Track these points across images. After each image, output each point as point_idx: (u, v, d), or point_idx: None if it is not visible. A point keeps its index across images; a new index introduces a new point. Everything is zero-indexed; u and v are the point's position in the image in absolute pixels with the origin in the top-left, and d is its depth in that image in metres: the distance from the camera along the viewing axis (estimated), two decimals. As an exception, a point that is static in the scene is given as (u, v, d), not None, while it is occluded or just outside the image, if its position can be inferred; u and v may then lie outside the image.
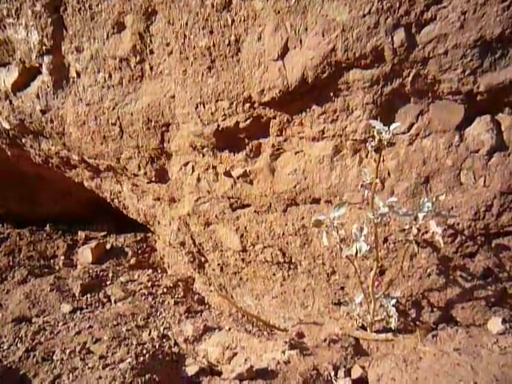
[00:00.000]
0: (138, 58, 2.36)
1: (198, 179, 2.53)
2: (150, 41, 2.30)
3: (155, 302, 2.89)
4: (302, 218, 2.32)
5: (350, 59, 1.87)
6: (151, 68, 2.37)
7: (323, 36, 1.87)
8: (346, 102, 1.99)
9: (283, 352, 2.16)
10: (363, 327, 2.31)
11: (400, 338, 2.19)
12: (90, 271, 3.25)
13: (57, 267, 3.49)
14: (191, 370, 2.14)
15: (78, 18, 2.39)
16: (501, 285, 2.06)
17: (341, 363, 2.12)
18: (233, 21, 2.04)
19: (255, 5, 1.98)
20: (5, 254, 3.57)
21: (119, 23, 2.33)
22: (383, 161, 2.01)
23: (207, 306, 2.95)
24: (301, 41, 1.93)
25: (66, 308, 2.77)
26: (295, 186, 2.25)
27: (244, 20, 2.01)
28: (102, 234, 3.92)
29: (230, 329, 2.52)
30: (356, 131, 2.02)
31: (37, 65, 2.60)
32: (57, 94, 2.63)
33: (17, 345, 2.39)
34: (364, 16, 1.78)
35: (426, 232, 1.99)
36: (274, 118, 2.17)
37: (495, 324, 2.05)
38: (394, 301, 2.11)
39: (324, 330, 2.41)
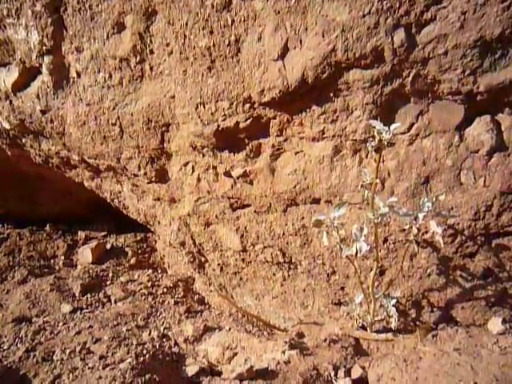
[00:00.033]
0: (138, 58, 2.36)
1: (198, 179, 2.53)
2: (150, 41, 2.30)
3: (155, 302, 2.90)
4: (302, 218, 2.32)
5: (349, 59, 1.87)
6: (151, 68, 2.37)
7: (323, 36, 1.87)
8: (345, 102, 1.99)
9: (283, 352, 2.16)
10: (363, 327, 2.31)
11: (400, 338, 2.19)
12: (90, 271, 3.25)
13: (57, 267, 3.49)
14: (191, 370, 2.14)
15: (78, 18, 2.40)
16: (501, 285, 2.06)
17: (341, 363, 2.12)
18: (233, 21, 2.04)
19: (255, 5, 1.98)
20: (5, 254, 3.58)
21: (119, 23, 2.33)
22: (383, 161, 2.01)
23: (207, 306, 2.95)
24: (301, 41, 1.93)
25: (66, 308, 2.77)
26: (295, 186, 2.25)
27: (244, 20, 2.01)
28: (102, 234, 3.92)
29: (230, 329, 2.53)
30: (356, 131, 2.02)
31: (37, 65, 2.60)
32: (57, 94, 2.64)
33: (17, 345, 2.39)
34: (364, 16, 1.78)
35: (426, 232, 1.99)
36: (274, 118, 2.17)
37: (495, 324, 2.05)
38: (394, 301, 2.11)
39: (324, 330, 2.41)
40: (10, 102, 2.79)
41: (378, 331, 2.27)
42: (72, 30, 2.44)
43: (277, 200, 2.34)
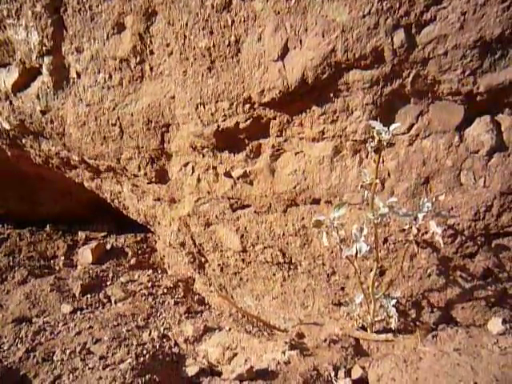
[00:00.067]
0: (138, 58, 2.36)
1: (198, 180, 2.53)
2: (150, 41, 2.30)
3: (155, 303, 2.90)
4: (302, 218, 2.32)
5: (349, 60, 1.87)
6: (151, 69, 2.37)
7: (323, 37, 1.87)
8: (345, 102, 1.99)
9: (283, 352, 2.16)
10: (363, 327, 2.31)
11: (400, 338, 2.20)
12: (90, 271, 3.25)
13: (57, 267, 3.49)
14: (191, 370, 2.14)
15: (78, 18, 2.40)
16: (501, 285, 2.06)
17: (341, 363, 2.12)
18: (233, 21, 2.04)
19: (255, 5, 1.98)
20: (5, 255, 3.58)
21: (119, 24, 2.33)
22: (383, 161, 2.01)
23: (207, 307, 2.95)
24: (301, 41, 1.93)
25: (67, 308, 2.78)
26: (295, 187, 2.25)
27: (244, 21, 2.01)
28: (102, 234, 3.92)
29: (230, 329, 2.53)
30: (356, 132, 2.02)
31: (37, 65, 2.60)
32: (57, 94, 2.64)
33: (17, 345, 2.39)
34: (364, 17, 1.78)
35: (426, 232, 1.99)
36: (274, 118, 2.17)
37: (495, 324, 2.06)
38: (394, 301, 2.11)
39: (324, 330, 2.41)
40: (10, 102, 2.79)
41: (378, 331, 2.28)
42: (72, 31, 2.44)
43: (277, 200, 2.34)
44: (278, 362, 2.10)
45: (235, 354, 2.27)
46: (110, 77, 2.47)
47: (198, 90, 2.23)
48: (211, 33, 2.09)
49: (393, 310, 2.10)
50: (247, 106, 2.15)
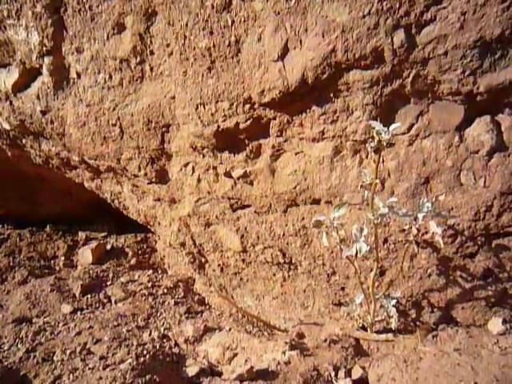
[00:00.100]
0: (139, 58, 2.36)
1: (199, 180, 2.53)
2: (150, 42, 2.30)
3: (155, 303, 2.89)
4: (303, 218, 2.32)
5: (349, 60, 1.87)
6: (151, 69, 2.37)
7: (323, 37, 1.87)
8: (345, 102, 2.00)
9: (283, 352, 2.16)
10: (363, 328, 2.31)
11: (400, 338, 2.20)
12: (91, 272, 3.25)
13: (57, 268, 3.49)
14: (192, 370, 2.14)
15: (78, 18, 2.40)
16: (501, 285, 2.06)
17: (341, 364, 2.12)
18: (233, 22, 2.04)
19: (255, 6, 1.98)
20: (5, 255, 3.57)
21: (119, 24, 2.33)
22: (383, 161, 2.01)
23: (207, 307, 2.95)
24: (301, 41, 1.93)
25: (67, 308, 2.77)
26: (295, 187, 2.25)
27: (244, 21, 2.02)
28: (103, 234, 3.92)
29: (230, 329, 2.52)
30: (356, 132, 2.02)
31: (37, 66, 2.60)
32: (57, 94, 2.64)
33: (17, 345, 2.39)
34: (364, 17, 1.79)
35: (426, 232, 1.99)
36: (274, 118, 2.17)
37: (495, 324, 2.06)
38: (394, 301, 2.11)
39: (324, 330, 2.41)
40: (11, 102, 2.79)
41: (378, 331, 2.28)
42: (72, 31, 2.44)
43: (277, 200, 2.34)
44: (279, 362, 2.10)
45: (235, 354, 2.27)
46: (110, 77, 2.47)
47: (198, 91, 2.23)
48: (211, 33, 2.09)
49: (393, 310, 2.10)
50: (247, 106, 2.15)
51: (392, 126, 1.71)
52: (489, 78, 1.75)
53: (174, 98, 2.35)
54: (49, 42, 2.49)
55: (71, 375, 2.07)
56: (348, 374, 2.06)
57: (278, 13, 1.94)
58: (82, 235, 3.89)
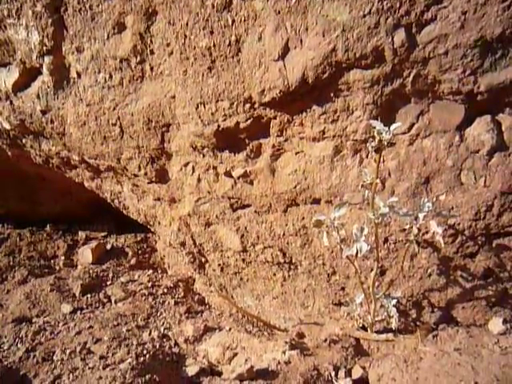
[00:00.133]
0: (139, 58, 2.36)
1: (199, 179, 2.53)
2: (151, 41, 2.30)
3: (155, 303, 2.89)
4: (303, 218, 2.32)
5: (350, 59, 1.87)
6: (152, 68, 2.37)
7: (324, 36, 1.87)
8: (346, 102, 1.99)
9: (284, 352, 2.16)
10: (364, 327, 2.31)
11: (400, 338, 2.19)
12: (91, 271, 3.25)
13: (57, 267, 3.49)
14: (191, 370, 2.14)
15: (78, 18, 2.39)
16: (501, 285, 2.06)
17: (341, 363, 2.12)
18: (233, 21, 2.04)
19: (255, 5, 1.98)
20: (5, 255, 3.57)
21: (120, 23, 2.33)
22: (384, 161, 2.01)
23: (207, 307, 2.95)
24: (301, 41, 1.93)
25: (67, 308, 2.77)
26: (295, 187, 2.25)
27: (244, 20, 2.01)
28: (103, 234, 3.91)
29: (230, 329, 2.52)
30: (356, 131, 2.02)
31: (37, 65, 2.60)
32: (57, 94, 2.63)
33: (17, 345, 2.38)
34: (364, 16, 1.78)
35: (427, 232, 1.99)
36: (275, 118, 2.17)
37: (496, 324, 2.05)
38: (394, 301, 2.11)
39: (324, 330, 2.41)
40: (11, 102, 2.79)
41: (378, 331, 2.28)
42: (72, 30, 2.44)
43: (277, 200, 2.33)
44: (279, 362, 2.10)
45: (235, 354, 2.26)
46: (111, 76, 2.47)
47: (199, 90, 2.23)
48: (212, 32, 2.09)
49: (393, 309, 2.09)
50: (247, 105, 2.15)
51: (393, 126, 1.71)
52: (489, 78, 1.75)
53: (174, 97, 2.35)
54: (49, 42, 2.49)
55: (71, 375, 2.07)
56: (348, 373, 2.06)
57: (279, 12, 1.93)
58: (81, 235, 3.89)
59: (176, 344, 2.40)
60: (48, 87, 2.63)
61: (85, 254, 3.54)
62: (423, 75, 1.83)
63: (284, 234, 2.41)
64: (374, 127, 1.71)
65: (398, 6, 1.74)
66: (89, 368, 2.10)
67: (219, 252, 2.71)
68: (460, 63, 1.75)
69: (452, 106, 1.88)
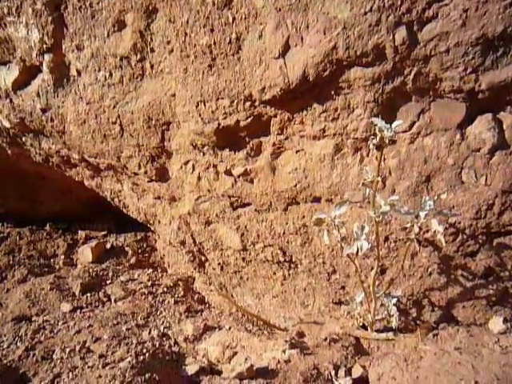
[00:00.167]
0: (139, 56, 2.36)
1: (199, 178, 2.52)
2: (151, 39, 2.30)
3: (155, 302, 2.89)
4: (303, 216, 2.32)
5: (351, 57, 1.86)
6: (152, 66, 2.36)
7: (324, 34, 1.86)
8: (347, 100, 1.99)
9: (283, 351, 2.15)
10: (364, 326, 2.30)
11: (401, 337, 2.19)
12: (90, 270, 3.25)
13: (57, 266, 3.49)
14: (191, 369, 2.13)
15: (78, 16, 2.39)
16: (502, 284, 2.05)
17: (341, 362, 2.11)
18: (234, 19, 2.03)
19: (256, 3, 1.97)
20: (5, 253, 3.57)
21: (120, 21, 2.33)
22: (384, 159, 2.00)
23: (207, 306, 2.94)
24: (302, 38, 1.93)
25: (66, 307, 2.77)
26: (296, 185, 2.24)
27: (245, 18, 2.01)
28: (102, 233, 3.92)
29: (230, 328, 2.52)
30: (357, 130, 2.02)
31: (37, 63, 2.60)
32: (57, 92, 2.63)
33: (16, 344, 2.38)
34: (365, 14, 1.78)
35: (427, 231, 1.98)
36: (275, 116, 2.16)
37: (496, 323, 2.05)
38: (394, 300, 2.11)
39: (324, 329, 2.41)
40: (11, 100, 2.79)
41: (378, 330, 2.27)
42: (72, 28, 2.44)
43: (277, 199, 2.33)
44: (278, 361, 2.09)
45: (235, 353, 2.26)
46: (111, 74, 2.46)
47: (199, 88, 2.22)
48: (212, 30, 2.08)
49: (393, 308, 2.09)
50: (248, 103, 2.14)
51: (394, 123, 1.71)
52: (491, 76, 1.75)
53: (174, 95, 2.34)
54: (49, 40, 2.48)
55: (70, 373, 2.06)
56: (348, 372, 2.05)
57: (279, 10, 1.93)
58: (81, 234, 3.89)
59: (176, 343, 2.40)
60: (48, 85, 2.62)
61: (85, 253, 3.54)
62: (424, 73, 1.82)
63: (284, 233, 2.41)
64: (376, 124, 1.71)
65: (399, 3, 1.73)
66: (88, 367, 2.09)
67: (219, 251, 2.71)
68: (461, 61, 1.74)
69: (453, 105, 1.88)
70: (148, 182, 2.77)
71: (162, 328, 2.55)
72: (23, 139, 3.04)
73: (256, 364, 2.08)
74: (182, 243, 2.84)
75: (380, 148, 1.73)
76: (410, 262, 2.12)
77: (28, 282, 3.08)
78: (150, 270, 3.34)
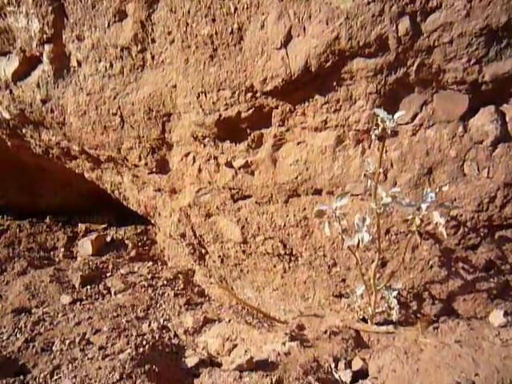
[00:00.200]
0: (140, 46, 2.34)
1: (199, 170, 2.51)
2: (152, 29, 2.28)
3: (155, 294, 2.88)
4: (304, 209, 2.31)
5: (353, 48, 1.85)
6: (153, 57, 2.35)
7: (327, 24, 1.85)
8: (349, 91, 1.98)
9: (283, 344, 2.15)
10: (364, 319, 2.30)
11: (401, 330, 2.19)
12: (90, 263, 3.24)
13: (57, 259, 3.49)
14: (191, 361, 2.13)
15: (79, 6, 2.37)
16: (503, 277, 2.05)
17: (341, 355, 2.11)
18: (236, 9, 2.02)
19: (258, -8, 1.96)
20: (5, 246, 3.57)
21: (121, 11, 2.31)
22: (386, 151, 1.99)
23: (207, 298, 2.94)
24: (304, 29, 1.91)
25: (66, 299, 2.76)
26: (297, 177, 2.23)
27: (247, 8, 1.99)
28: (103, 226, 3.91)
29: (230, 320, 2.51)
30: (359, 121, 2.00)
31: (37, 54, 2.58)
32: (57, 83, 2.62)
33: (16, 335, 2.38)
34: (368, 3, 1.76)
35: (429, 223, 1.98)
36: (277, 107, 2.15)
37: (497, 317, 2.05)
38: (395, 293, 2.10)
39: (325, 322, 2.40)
40: (10, 91, 2.77)
41: (378, 323, 2.27)
42: (73, 18, 2.42)
43: (278, 191, 2.32)
44: (278, 353, 2.09)
45: (235, 345, 2.25)
46: (111, 65, 2.45)
47: (200, 79, 2.21)
48: (213, 20, 2.07)
49: (394, 301, 2.09)
50: (249, 94, 2.13)
51: (396, 114, 1.70)
52: (494, 67, 1.73)
53: (175, 86, 2.33)
54: (49, 30, 2.47)
55: (70, 365, 2.06)
56: (348, 365, 2.05)
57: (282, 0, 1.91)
58: (81, 227, 3.88)
59: (175, 335, 2.40)
60: (48, 76, 2.61)
61: (84, 246, 3.53)
62: (427, 64, 1.81)
63: (285, 225, 2.40)
64: (378, 115, 1.70)
65: (402, -7, 1.72)
66: (88, 358, 2.09)
67: (219, 243, 2.70)
68: (465, 52, 1.73)
69: (456, 96, 1.86)
70: (148, 174, 2.76)
71: (161, 320, 2.55)
72: (23, 131, 3.03)
73: (256, 356, 2.08)
74: (183, 236, 2.83)
75: (382, 139, 1.72)
76: (410, 255, 2.12)
77: (28, 274, 3.08)
78: (150, 263, 3.33)
